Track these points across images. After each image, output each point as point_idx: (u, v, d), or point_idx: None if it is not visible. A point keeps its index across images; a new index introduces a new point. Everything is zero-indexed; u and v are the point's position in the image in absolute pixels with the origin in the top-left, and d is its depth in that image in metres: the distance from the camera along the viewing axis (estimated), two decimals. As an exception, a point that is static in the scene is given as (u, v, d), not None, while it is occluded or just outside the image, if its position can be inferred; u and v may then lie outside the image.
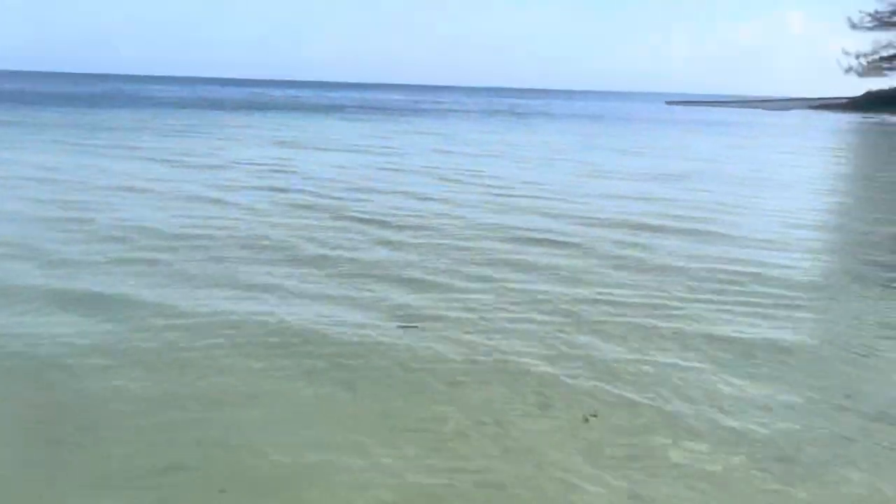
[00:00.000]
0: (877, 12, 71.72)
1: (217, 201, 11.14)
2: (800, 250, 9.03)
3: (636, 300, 6.55)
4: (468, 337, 5.50)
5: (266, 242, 8.43)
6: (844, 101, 79.93)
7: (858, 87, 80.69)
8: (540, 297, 6.58)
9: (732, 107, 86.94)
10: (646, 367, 4.99)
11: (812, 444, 4.02)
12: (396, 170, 16.20)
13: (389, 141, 24.70)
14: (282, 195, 11.94)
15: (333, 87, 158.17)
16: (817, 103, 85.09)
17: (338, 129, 30.84)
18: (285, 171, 15.04)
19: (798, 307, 6.54)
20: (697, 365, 5.07)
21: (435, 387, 4.59)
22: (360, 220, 9.90)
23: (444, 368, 4.88)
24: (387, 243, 8.61)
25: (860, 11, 74.04)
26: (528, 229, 9.61)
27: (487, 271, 7.42)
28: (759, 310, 6.38)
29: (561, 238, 9.12)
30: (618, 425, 4.15)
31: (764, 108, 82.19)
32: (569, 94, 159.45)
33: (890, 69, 74.18)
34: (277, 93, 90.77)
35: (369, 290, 6.65)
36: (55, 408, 4.24)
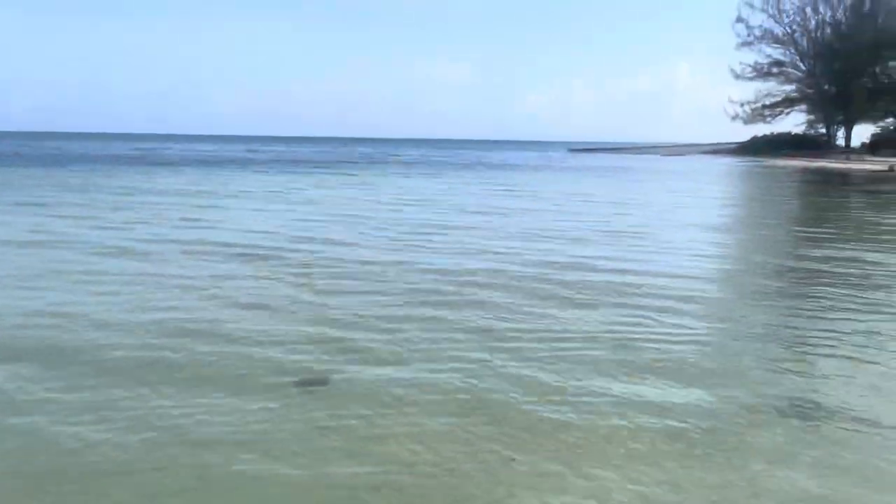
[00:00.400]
0: (757, 63, 77.04)
1: (135, 253, 10.91)
2: (703, 280, 9.60)
3: (557, 334, 6.83)
4: (395, 376, 5.63)
5: (185, 291, 8.34)
6: (734, 145, 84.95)
7: (745, 132, 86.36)
8: (462, 335, 6.79)
9: (632, 153, 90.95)
10: (570, 387, 5.25)
11: (723, 433, 4.51)
12: (315, 220, 16.27)
13: (304, 192, 24.76)
14: (199, 246, 11.78)
15: (236, 140, 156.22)
16: (710, 148, 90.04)
17: (248, 181, 30.58)
18: (201, 227, 14.84)
19: (704, 329, 7.03)
20: (619, 381, 5.37)
21: (359, 432, 4.62)
22: (284, 266, 9.91)
23: (371, 413, 4.97)
24: (317, 291, 8.66)
25: (741, 63, 79.31)
26: (447, 270, 9.84)
27: (416, 310, 7.59)
28: (672, 336, 6.77)
29: (479, 278, 9.39)
30: (548, 437, 4.36)
31: (662, 154, 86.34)
32: (477, 144, 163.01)
33: (771, 116, 79.45)
34: (179, 147, 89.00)
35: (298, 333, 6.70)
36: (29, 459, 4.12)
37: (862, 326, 7.23)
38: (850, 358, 6.20)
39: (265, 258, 10.73)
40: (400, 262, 10.50)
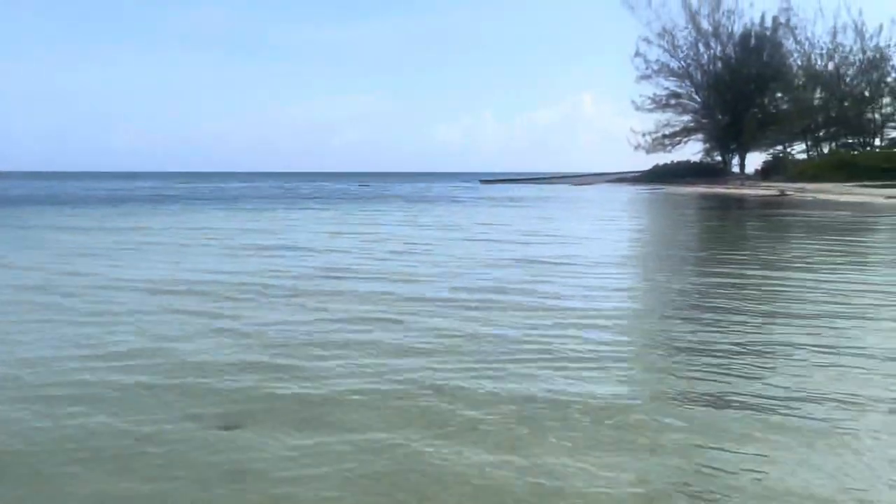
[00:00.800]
0: (655, 95, 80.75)
1: (50, 290, 10.67)
2: (616, 299, 10.16)
3: (463, 365, 6.95)
4: (327, 396, 5.83)
5: (106, 326, 8.26)
6: (638, 174, 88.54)
7: (648, 161, 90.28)
8: (392, 358, 7.03)
9: (542, 183, 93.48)
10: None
11: (643, 423, 4.82)
12: (235, 254, 16.18)
13: (219, 228, 24.48)
14: (115, 282, 11.58)
15: (144, 176, 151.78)
16: (615, 177, 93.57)
17: (159, 219, 29.93)
18: (115, 265, 14.54)
19: (617, 340, 7.52)
20: (546, 384, 5.73)
21: (284, 464, 4.62)
22: (207, 299, 9.90)
23: (298, 443, 5.08)
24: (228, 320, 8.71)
25: (641, 95, 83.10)
26: (373, 297, 10.05)
27: (346, 335, 7.78)
28: (589, 347, 7.21)
29: (405, 304, 9.65)
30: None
31: (570, 183, 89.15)
32: (388, 177, 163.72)
33: (671, 145, 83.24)
34: (79, 184, 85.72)
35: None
36: None
37: (758, 338, 7.90)
38: (746, 363, 6.78)
39: (188, 293, 10.64)
40: (327, 291, 10.66)
